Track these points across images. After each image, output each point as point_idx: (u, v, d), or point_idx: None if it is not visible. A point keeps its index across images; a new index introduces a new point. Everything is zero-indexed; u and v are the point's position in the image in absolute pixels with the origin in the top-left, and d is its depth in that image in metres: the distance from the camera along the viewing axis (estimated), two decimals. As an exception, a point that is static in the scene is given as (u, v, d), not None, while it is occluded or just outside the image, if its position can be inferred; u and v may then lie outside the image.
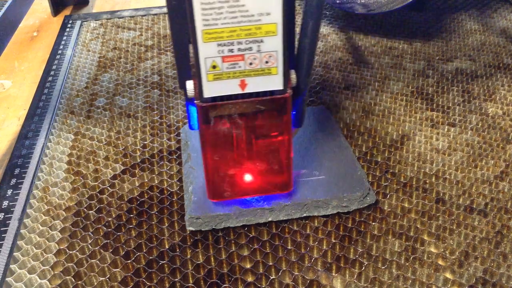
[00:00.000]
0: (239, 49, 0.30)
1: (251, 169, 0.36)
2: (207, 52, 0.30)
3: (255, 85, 0.32)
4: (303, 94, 0.35)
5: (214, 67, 0.30)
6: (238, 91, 0.32)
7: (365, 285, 0.34)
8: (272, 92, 0.32)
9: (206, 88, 0.31)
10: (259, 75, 0.31)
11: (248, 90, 0.32)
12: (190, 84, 0.33)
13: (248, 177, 0.37)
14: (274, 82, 0.32)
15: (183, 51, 0.34)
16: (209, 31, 0.29)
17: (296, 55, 0.34)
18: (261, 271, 0.35)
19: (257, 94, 0.32)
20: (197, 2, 0.28)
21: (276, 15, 0.29)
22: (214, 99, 0.32)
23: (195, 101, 0.32)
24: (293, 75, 0.33)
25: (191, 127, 0.38)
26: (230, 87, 0.31)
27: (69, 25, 0.72)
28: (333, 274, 0.35)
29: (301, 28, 0.33)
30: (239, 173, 0.36)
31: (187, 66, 0.34)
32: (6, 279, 0.35)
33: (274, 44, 0.30)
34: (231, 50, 0.30)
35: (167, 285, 0.34)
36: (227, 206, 0.38)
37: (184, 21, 0.32)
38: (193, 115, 0.37)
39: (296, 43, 0.34)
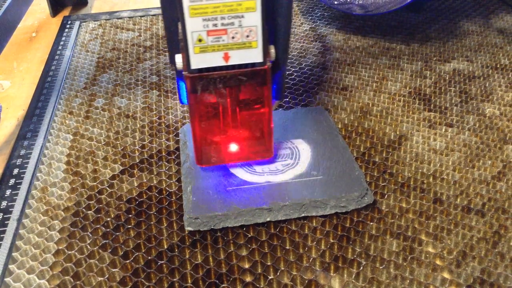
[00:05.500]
0: (222, 24, 0.33)
1: (236, 137, 0.39)
2: (194, 26, 0.33)
3: (238, 57, 0.34)
4: (282, 69, 0.38)
5: (200, 40, 0.33)
6: (222, 63, 0.34)
7: (363, 285, 0.34)
8: (253, 65, 0.35)
9: (193, 60, 0.34)
10: (241, 48, 0.34)
11: (231, 62, 0.34)
12: (179, 57, 0.35)
13: (232, 145, 0.39)
14: (254, 55, 0.34)
15: (172, 28, 0.36)
16: (195, 6, 0.32)
17: (274, 33, 0.37)
18: (259, 271, 0.35)
19: (240, 66, 0.35)
20: None
21: None
22: (200, 70, 0.34)
23: (183, 73, 0.35)
24: (272, 50, 0.36)
25: (181, 102, 0.40)
26: (215, 59, 0.34)
27: (67, 26, 0.72)
28: (331, 274, 0.35)
29: (275, 8, 0.36)
30: (225, 140, 0.39)
31: (176, 42, 0.37)
32: (5, 279, 0.35)
33: (254, 19, 0.33)
34: (215, 25, 0.33)
35: (165, 285, 0.34)
36: (225, 204, 0.38)
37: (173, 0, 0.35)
38: (183, 90, 0.39)
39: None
